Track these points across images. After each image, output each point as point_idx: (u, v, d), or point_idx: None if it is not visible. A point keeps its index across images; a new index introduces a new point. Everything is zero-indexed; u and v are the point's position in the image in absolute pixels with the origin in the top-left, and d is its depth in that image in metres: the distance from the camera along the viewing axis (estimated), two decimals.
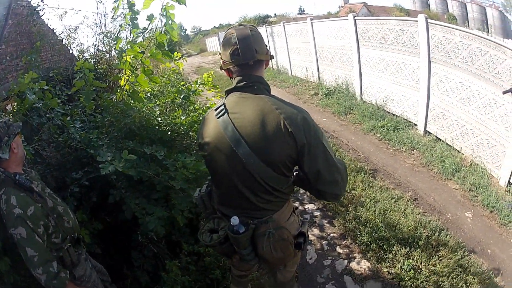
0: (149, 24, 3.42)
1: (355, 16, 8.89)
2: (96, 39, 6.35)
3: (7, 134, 2.17)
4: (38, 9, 6.81)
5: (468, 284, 3.58)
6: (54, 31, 7.90)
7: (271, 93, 1.99)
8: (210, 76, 4.88)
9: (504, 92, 4.32)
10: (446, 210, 4.96)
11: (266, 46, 1.98)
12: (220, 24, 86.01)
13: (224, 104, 1.96)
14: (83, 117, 3.70)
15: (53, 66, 6.90)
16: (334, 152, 2.09)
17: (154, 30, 3.46)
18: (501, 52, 4.79)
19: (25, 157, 2.43)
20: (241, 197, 2.00)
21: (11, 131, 2.20)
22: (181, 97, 4.56)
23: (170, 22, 3.29)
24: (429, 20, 6.26)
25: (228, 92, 2.02)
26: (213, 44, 39.62)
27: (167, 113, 4.64)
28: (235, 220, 1.94)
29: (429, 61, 6.48)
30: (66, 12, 6.40)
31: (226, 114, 1.91)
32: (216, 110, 1.99)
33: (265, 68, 2.03)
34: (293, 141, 1.80)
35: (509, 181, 5.05)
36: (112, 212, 3.35)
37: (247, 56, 1.86)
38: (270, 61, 2.08)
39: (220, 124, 1.91)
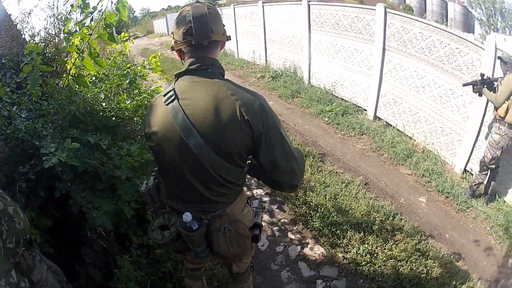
0: (98, 3, 3.04)
1: (309, 1, 8.71)
2: (47, 22, 5.81)
3: None
4: None
5: (428, 268, 3.54)
6: (11, 16, 7.24)
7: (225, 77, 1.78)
8: (158, 59, 4.52)
9: (464, 85, 4.36)
10: (398, 195, 4.92)
11: (224, 26, 1.76)
12: (169, 6, 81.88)
13: (174, 89, 1.71)
14: (29, 105, 3.36)
15: (6, 52, 6.19)
16: (290, 140, 1.86)
17: (104, 10, 3.08)
18: (464, 46, 4.82)
19: None
20: (192, 190, 1.79)
21: None
22: (127, 81, 4.21)
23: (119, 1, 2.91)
24: (388, 10, 6.21)
25: (178, 76, 1.77)
26: (161, 26, 37.74)
27: (112, 97, 4.23)
28: (187, 216, 1.73)
29: (384, 49, 6.46)
30: None
31: (176, 100, 1.67)
32: (165, 96, 1.74)
33: (220, 50, 1.81)
34: (250, 130, 1.61)
35: (464, 169, 5.16)
36: (59, 206, 3.09)
37: (201, 36, 1.63)
38: (225, 42, 1.83)
39: (169, 112, 1.68)
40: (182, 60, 1.78)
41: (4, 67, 4.34)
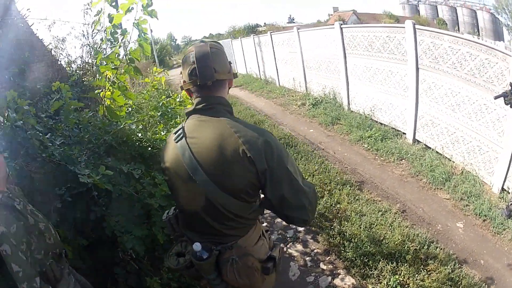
0: (122, 39, 3.36)
1: (341, 24, 8.74)
2: (83, 51, 6.21)
3: None
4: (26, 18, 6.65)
5: None
6: (43, 41, 7.66)
7: (234, 114, 1.89)
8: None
9: (496, 97, 4.13)
10: (436, 221, 4.73)
11: (230, 63, 1.89)
12: (210, 33, 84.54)
13: (183, 128, 1.85)
14: (66, 132, 3.62)
15: (42, 77, 6.50)
16: (302, 174, 1.86)
17: (128, 45, 3.40)
18: (492, 55, 4.62)
19: (9, 175, 2.32)
20: (204, 223, 1.88)
21: None
22: (159, 114, 4.45)
23: (143, 35, 3.28)
24: (416, 26, 6.10)
25: (188, 114, 1.89)
26: None
27: (148, 128, 4.49)
28: (197, 246, 1.83)
29: (417, 68, 6.30)
30: (54, 23, 6.29)
31: (184, 138, 1.79)
32: (175, 133, 1.87)
33: (229, 87, 1.92)
34: (253, 167, 1.67)
35: (502, 188, 4.85)
36: (96, 228, 3.28)
37: (205, 77, 1.72)
38: (231, 80, 1.93)
39: (178, 149, 1.81)
40: (191, 99, 1.89)
41: (39, 92, 4.53)
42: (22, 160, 2.89)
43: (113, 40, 3.39)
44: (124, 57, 3.40)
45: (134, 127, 4.07)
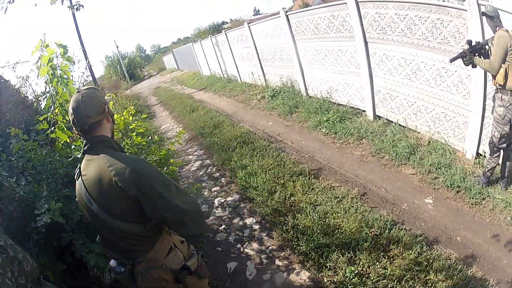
0: (51, 87, 3.69)
1: (286, 12, 7.91)
2: (45, 87, 5.99)
3: None
4: None
5: (430, 284, 2.84)
6: (9, 82, 7.40)
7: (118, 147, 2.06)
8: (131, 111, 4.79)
9: (451, 60, 3.38)
10: (400, 200, 4.09)
11: (105, 103, 1.98)
12: (178, 38, 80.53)
13: (79, 167, 2.00)
14: (32, 171, 3.76)
15: (13, 117, 6.49)
16: (183, 192, 1.97)
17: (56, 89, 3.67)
18: (444, 14, 3.83)
19: None
20: (114, 242, 2.01)
21: None
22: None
23: (66, 81, 3.58)
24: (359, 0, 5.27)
25: (83, 154, 2.03)
26: (170, 61, 37.64)
27: None
28: (113, 262, 2.01)
29: (366, 42, 5.52)
30: (17, 63, 6.47)
31: (80, 177, 1.96)
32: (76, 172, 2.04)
33: (111, 122, 2.06)
34: (125, 194, 1.78)
35: (477, 153, 4.14)
36: (73, 252, 3.39)
37: (80, 124, 1.88)
38: (110, 117, 2.05)
39: (78, 186, 1.98)
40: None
41: (9, 136, 4.34)
42: None
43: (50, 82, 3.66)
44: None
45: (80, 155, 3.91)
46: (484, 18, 3.23)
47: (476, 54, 3.24)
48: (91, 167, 1.89)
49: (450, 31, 3.82)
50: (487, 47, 3.21)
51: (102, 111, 1.93)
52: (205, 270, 2.25)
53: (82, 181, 1.91)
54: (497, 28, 3.06)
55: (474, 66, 3.29)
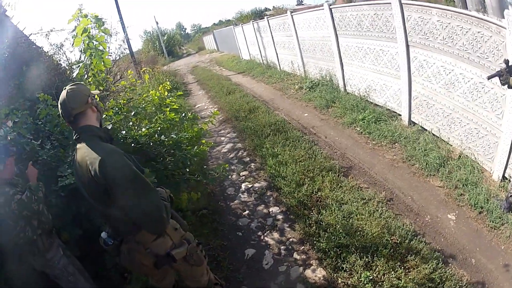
0: (85, 57, 3.92)
1: (330, 5, 7.90)
2: (79, 57, 6.19)
3: (3, 153, 2.88)
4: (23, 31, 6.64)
5: None
6: (42, 49, 7.72)
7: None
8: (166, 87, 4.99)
9: (489, 78, 3.36)
10: (425, 212, 4.12)
11: (88, 95, 2.26)
12: (219, 20, 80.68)
13: (75, 152, 2.24)
14: (58, 136, 4.01)
15: (43, 83, 6.54)
16: (148, 187, 2.13)
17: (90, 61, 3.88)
18: (484, 28, 3.78)
19: (15, 173, 3.04)
20: (106, 220, 2.39)
21: (6, 153, 2.92)
22: (132, 114, 4.54)
23: (101, 53, 3.75)
24: (403, 1, 5.24)
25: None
26: (210, 42, 37.99)
27: (131, 127, 4.55)
28: (103, 234, 2.32)
29: (407, 45, 5.48)
30: (51, 31, 6.71)
31: (74, 162, 2.22)
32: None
33: (97, 112, 2.32)
34: (95, 182, 2.01)
35: (503, 176, 4.09)
36: (90, 219, 3.65)
37: (66, 115, 2.18)
38: (94, 107, 2.30)
39: (73, 168, 2.30)
40: None
41: (38, 101, 4.56)
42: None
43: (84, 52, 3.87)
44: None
45: (110, 126, 4.07)
46: None
47: None
48: (77, 155, 2.14)
49: (490, 46, 3.78)
50: None
51: (85, 102, 2.21)
52: (196, 259, 2.40)
53: (75, 165, 2.21)
54: None
55: (510, 86, 3.29)
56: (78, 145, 2.17)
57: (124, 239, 2.26)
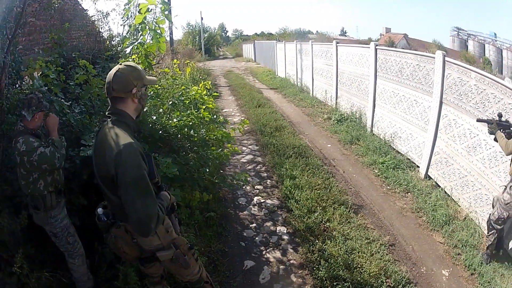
0: (140, 35, 4.00)
1: (376, 45, 8.29)
2: (123, 28, 6.51)
3: (36, 105, 3.00)
4: None
5: None
6: (87, 12, 7.97)
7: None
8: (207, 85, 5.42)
9: (478, 120, 4.01)
10: (422, 263, 4.35)
11: (135, 85, 2.24)
12: (262, 31, 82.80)
13: (102, 127, 2.34)
14: (88, 103, 4.20)
15: (81, 45, 7.08)
16: (149, 194, 2.14)
17: (145, 41, 4.03)
18: None
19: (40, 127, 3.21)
20: (107, 200, 2.40)
21: (39, 106, 3.03)
22: (170, 103, 4.78)
23: (159, 34, 3.85)
24: (446, 58, 5.60)
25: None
26: (249, 50, 38.95)
27: (162, 114, 4.78)
28: (99, 210, 2.37)
29: (441, 102, 5.81)
30: None
31: (97, 135, 2.34)
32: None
33: (138, 104, 2.34)
34: (106, 167, 2.10)
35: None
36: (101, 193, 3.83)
37: (108, 91, 2.23)
38: (136, 99, 2.30)
39: (95, 140, 2.37)
40: None
41: (74, 60, 4.71)
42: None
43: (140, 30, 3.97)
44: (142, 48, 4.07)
45: (145, 109, 4.30)
46: None
47: (501, 129, 3.63)
48: (103, 131, 2.21)
49: None
50: None
51: (128, 90, 2.22)
52: (183, 263, 2.50)
53: (97, 139, 2.29)
54: None
55: (495, 139, 3.65)
56: (108, 122, 2.23)
57: (116, 222, 2.33)
